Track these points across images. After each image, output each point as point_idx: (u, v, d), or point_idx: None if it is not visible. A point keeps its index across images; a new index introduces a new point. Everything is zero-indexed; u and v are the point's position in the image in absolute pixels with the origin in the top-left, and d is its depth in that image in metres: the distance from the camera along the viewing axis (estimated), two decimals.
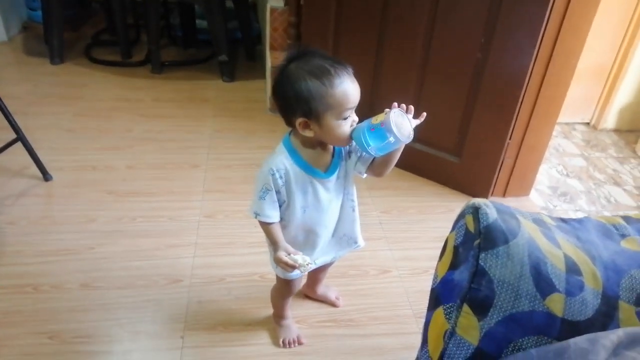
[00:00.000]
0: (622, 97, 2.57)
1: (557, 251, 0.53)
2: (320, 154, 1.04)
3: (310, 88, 0.93)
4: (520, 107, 1.78)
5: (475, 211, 0.55)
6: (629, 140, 2.58)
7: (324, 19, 2.03)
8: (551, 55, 1.70)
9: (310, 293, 1.47)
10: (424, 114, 1.02)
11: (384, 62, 1.97)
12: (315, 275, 1.40)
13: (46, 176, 1.93)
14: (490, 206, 0.55)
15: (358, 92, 0.96)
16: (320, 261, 1.20)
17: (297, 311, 1.44)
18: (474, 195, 1.98)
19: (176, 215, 1.80)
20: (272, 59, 2.43)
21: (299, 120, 0.97)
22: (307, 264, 1.02)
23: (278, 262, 1.04)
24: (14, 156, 1.89)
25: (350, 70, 0.96)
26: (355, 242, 1.22)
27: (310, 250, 1.14)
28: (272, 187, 1.02)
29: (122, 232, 1.71)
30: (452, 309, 0.55)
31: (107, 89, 2.70)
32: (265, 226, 1.07)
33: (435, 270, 0.64)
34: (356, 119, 0.98)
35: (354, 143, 0.98)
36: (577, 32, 1.68)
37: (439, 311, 0.58)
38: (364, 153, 1.01)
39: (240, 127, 2.39)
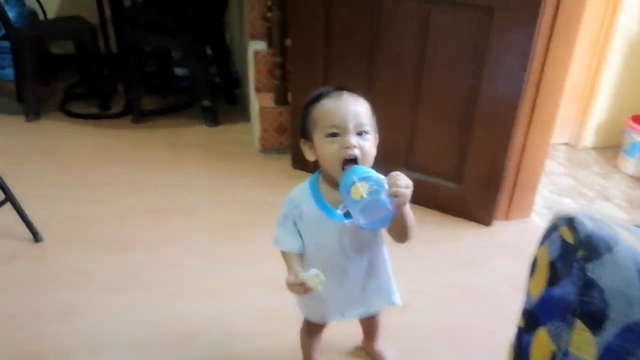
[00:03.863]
0: (597, 115, 2.67)
1: None
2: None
3: (305, 108, 0.97)
4: (516, 129, 1.82)
5: (570, 222, 0.54)
6: (608, 157, 2.66)
7: (312, 56, 2.05)
8: (541, 75, 1.76)
9: (367, 348, 1.38)
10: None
11: (376, 94, 1.96)
12: (364, 328, 1.32)
13: (37, 236, 1.82)
14: (583, 215, 0.53)
15: (351, 113, 0.91)
16: (349, 314, 1.13)
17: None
18: (478, 221, 1.98)
19: (174, 264, 1.72)
20: (259, 100, 2.43)
21: (300, 141, 1.00)
22: (319, 282, 0.91)
23: (288, 285, 0.96)
24: (1, 216, 1.79)
25: (356, 96, 0.96)
26: (390, 297, 1.14)
27: (333, 296, 1.07)
28: (289, 216, 1.01)
29: (126, 285, 1.62)
30: (559, 328, 0.53)
31: (88, 141, 2.62)
32: (283, 254, 1.03)
33: (527, 289, 0.61)
34: (352, 142, 0.90)
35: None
36: (564, 51, 1.75)
37: (542, 332, 0.55)
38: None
39: (231, 169, 2.34)
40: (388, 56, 1.91)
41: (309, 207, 0.98)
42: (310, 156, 0.98)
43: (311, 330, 1.21)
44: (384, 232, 1.04)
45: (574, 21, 1.71)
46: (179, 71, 3.25)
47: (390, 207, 0.83)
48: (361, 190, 0.83)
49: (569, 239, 0.53)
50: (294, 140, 2.22)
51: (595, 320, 0.50)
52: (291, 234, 1.01)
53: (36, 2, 3.25)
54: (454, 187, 1.97)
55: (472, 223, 1.98)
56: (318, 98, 0.96)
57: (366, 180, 0.84)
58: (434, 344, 1.45)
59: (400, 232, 0.94)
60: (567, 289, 0.52)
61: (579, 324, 0.51)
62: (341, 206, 0.90)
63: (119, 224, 1.93)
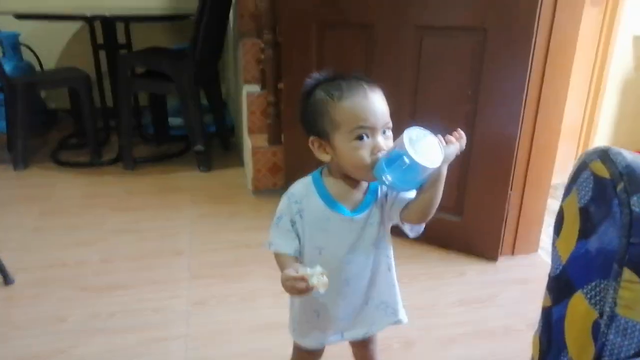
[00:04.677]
0: None
1: None
2: (350, 188, 0.88)
3: (317, 102, 0.85)
4: (516, 156, 1.74)
5: (604, 154, 0.44)
6: None
7: None
8: (539, 97, 1.70)
9: None
10: (461, 135, 0.83)
11: None
12: (358, 354, 1.14)
13: (7, 279, 1.68)
14: (617, 148, 0.44)
15: (379, 111, 0.82)
16: (350, 334, 0.99)
17: None
18: (482, 257, 1.86)
19: (161, 307, 1.58)
20: (252, 141, 2.37)
21: (311, 139, 0.87)
22: (322, 282, 0.78)
23: (285, 280, 0.80)
24: None
25: (374, 88, 0.84)
26: (396, 315, 1.00)
27: (334, 310, 0.95)
28: (287, 213, 0.89)
29: (99, 329, 1.47)
30: (601, 288, 0.41)
31: (76, 187, 2.54)
32: (277, 257, 0.90)
33: (554, 252, 0.50)
34: (382, 144, 0.81)
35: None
36: (560, 81, 1.72)
37: (577, 299, 0.44)
38: (391, 189, 0.86)
39: (223, 211, 2.25)
40: (382, 86, 1.86)
41: (312, 202, 0.88)
42: (323, 156, 0.87)
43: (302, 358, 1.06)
44: (392, 234, 0.94)
45: (569, 47, 1.68)
46: (174, 121, 3.24)
47: (441, 149, 0.77)
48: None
49: (605, 174, 0.43)
50: (288, 180, 2.14)
51: None
52: (287, 234, 0.89)
53: (34, 56, 3.29)
54: (456, 220, 1.86)
55: (478, 258, 1.86)
56: (332, 92, 0.83)
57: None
58: None
59: (427, 203, 0.82)
60: (607, 236, 0.42)
61: (627, 274, 0.40)
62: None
63: (100, 266, 1.81)
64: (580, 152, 2.66)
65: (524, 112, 1.69)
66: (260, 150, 2.32)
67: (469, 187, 1.81)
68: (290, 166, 2.23)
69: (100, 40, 3.03)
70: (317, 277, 0.77)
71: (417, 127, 0.80)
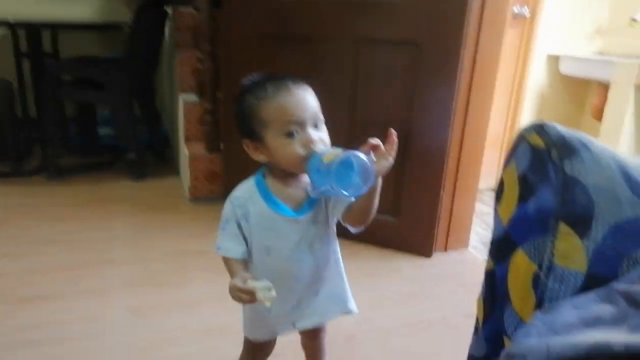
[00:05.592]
0: None
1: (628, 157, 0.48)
2: (292, 188, 0.89)
3: (245, 106, 0.87)
4: (447, 160, 1.84)
5: (539, 127, 0.49)
6: None
7: None
8: (467, 106, 1.83)
9: None
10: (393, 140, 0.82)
11: None
12: (307, 344, 1.14)
13: None
14: (551, 122, 0.49)
15: (306, 105, 0.83)
16: (301, 324, 0.99)
17: None
18: (417, 254, 1.95)
19: (94, 316, 1.50)
20: (188, 149, 2.33)
21: (244, 142, 0.89)
22: (269, 297, 0.78)
23: (232, 290, 0.82)
24: None
25: (300, 85, 0.86)
26: (345, 305, 1.02)
27: (284, 305, 0.95)
28: (232, 217, 0.89)
29: (27, 342, 1.37)
30: (539, 242, 0.46)
31: None
32: (225, 261, 0.89)
33: (495, 218, 0.54)
34: (313, 136, 0.83)
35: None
36: (484, 88, 1.84)
37: (518, 255, 0.48)
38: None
39: (159, 220, 2.18)
40: (322, 97, 1.90)
41: (256, 205, 0.88)
42: (258, 157, 0.88)
43: (253, 352, 1.05)
44: (335, 227, 0.95)
45: (492, 61, 1.82)
46: (103, 130, 3.11)
47: (370, 165, 0.76)
48: (335, 152, 0.78)
49: (540, 143, 0.48)
50: (228, 188, 2.12)
51: (581, 220, 0.44)
52: (234, 238, 0.89)
53: None
54: (392, 221, 1.93)
55: (413, 255, 1.95)
56: (258, 93, 0.85)
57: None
58: None
59: (365, 210, 0.85)
60: (544, 197, 0.47)
61: (562, 228, 0.44)
62: (310, 187, 0.83)
63: (24, 278, 1.69)
64: (502, 160, 2.84)
65: (453, 120, 1.80)
66: (198, 157, 2.29)
67: (405, 189, 1.89)
68: (230, 173, 2.21)
69: (24, 47, 2.85)
70: (264, 292, 0.78)
71: (353, 152, 0.77)
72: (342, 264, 1.01)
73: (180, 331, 1.45)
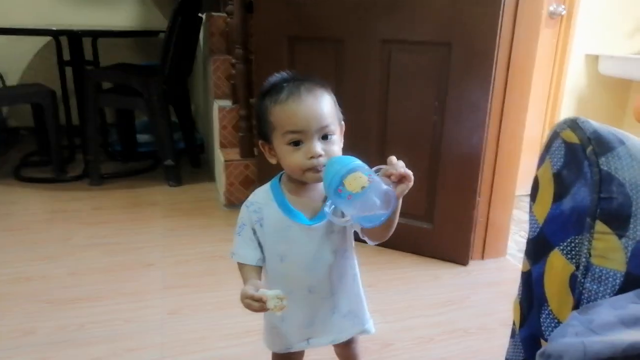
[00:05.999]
0: None
1: None
2: (307, 195, 0.87)
3: (261, 107, 0.87)
4: (483, 164, 1.81)
5: (573, 123, 0.48)
6: None
7: None
8: (502, 108, 1.79)
9: None
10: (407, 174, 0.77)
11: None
12: (340, 353, 1.12)
13: None
14: (584, 117, 0.48)
15: (312, 115, 0.80)
16: (315, 342, 0.97)
17: None
18: (454, 261, 1.91)
19: (133, 317, 1.54)
20: (224, 155, 2.38)
21: (260, 143, 0.89)
22: (279, 306, 0.77)
23: (242, 297, 0.80)
24: None
25: (316, 91, 0.83)
26: (362, 325, 0.99)
27: (296, 317, 0.93)
28: (248, 222, 0.89)
29: (69, 341, 1.42)
30: (576, 242, 0.45)
31: (39, 203, 2.46)
32: (240, 268, 0.90)
33: (531, 216, 0.54)
34: (317, 150, 0.80)
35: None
36: (520, 91, 1.80)
37: (554, 256, 0.47)
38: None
39: (195, 224, 2.23)
40: (352, 99, 1.92)
41: (271, 211, 0.87)
42: (271, 159, 0.88)
43: None
44: (354, 241, 0.94)
45: (528, 61, 1.78)
46: (141, 138, 3.21)
47: (393, 196, 0.72)
48: (360, 180, 0.72)
49: (575, 140, 0.47)
50: None
51: (619, 219, 0.43)
52: (249, 244, 0.89)
53: None
54: (427, 227, 1.91)
55: (449, 263, 1.91)
56: (273, 95, 0.84)
57: (358, 170, 0.73)
58: None
59: (386, 228, 0.82)
60: (580, 194, 0.46)
61: (600, 227, 0.43)
62: (327, 203, 0.79)
63: (67, 279, 1.75)
64: None
65: (488, 123, 1.77)
66: (233, 163, 2.33)
67: (439, 195, 1.87)
68: (264, 179, 2.23)
69: (66, 56, 2.98)
70: (275, 301, 0.76)
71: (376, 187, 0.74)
72: (360, 282, 0.98)
73: (216, 332, 1.47)
